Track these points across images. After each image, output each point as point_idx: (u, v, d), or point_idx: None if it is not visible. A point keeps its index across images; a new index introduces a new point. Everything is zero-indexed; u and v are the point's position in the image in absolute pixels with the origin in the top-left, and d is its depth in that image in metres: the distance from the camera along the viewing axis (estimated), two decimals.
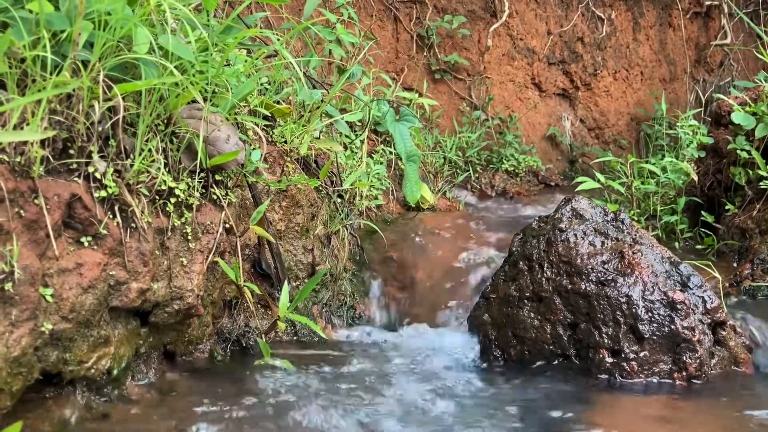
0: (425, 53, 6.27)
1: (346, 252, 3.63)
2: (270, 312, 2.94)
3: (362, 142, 4.45)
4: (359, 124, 4.69)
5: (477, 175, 5.97)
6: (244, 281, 2.72)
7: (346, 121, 4.34)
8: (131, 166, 2.23)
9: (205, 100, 2.46)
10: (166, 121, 2.39)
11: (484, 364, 2.96)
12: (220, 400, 2.34)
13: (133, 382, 2.36)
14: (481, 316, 3.12)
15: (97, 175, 2.13)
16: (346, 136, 4.32)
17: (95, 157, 2.12)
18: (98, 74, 2.10)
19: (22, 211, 1.92)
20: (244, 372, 2.62)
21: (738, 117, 4.10)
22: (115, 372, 2.25)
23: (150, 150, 2.30)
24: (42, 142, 1.99)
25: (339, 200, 3.73)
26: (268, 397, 2.42)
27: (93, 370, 2.16)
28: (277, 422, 2.25)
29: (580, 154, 6.86)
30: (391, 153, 4.87)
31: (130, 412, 2.19)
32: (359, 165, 4.24)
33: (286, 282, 2.78)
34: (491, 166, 6.14)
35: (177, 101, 2.34)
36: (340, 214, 3.57)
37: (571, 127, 6.97)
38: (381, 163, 4.64)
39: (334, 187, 3.68)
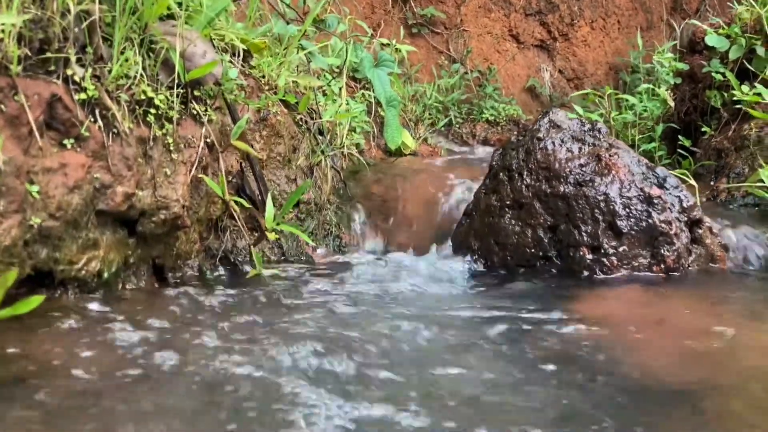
0: (401, 7, 6.29)
1: (330, 183, 3.67)
2: (256, 234, 2.98)
3: (340, 89, 4.48)
4: (337, 70, 4.72)
5: (458, 125, 6.02)
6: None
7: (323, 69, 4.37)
8: (109, 72, 2.26)
9: (179, 16, 2.49)
10: (141, 32, 2.41)
11: (468, 274, 3.01)
12: (211, 302, 2.38)
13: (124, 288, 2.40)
14: (464, 231, 3.17)
15: (76, 78, 2.15)
16: (325, 76, 4.34)
17: (73, 60, 2.14)
18: None
19: (2, 107, 1.95)
20: (235, 283, 2.66)
21: (712, 39, 4.16)
22: (105, 275, 2.28)
23: (127, 60, 2.32)
24: (18, 42, 2.02)
25: (320, 137, 3.76)
26: (258, 303, 2.46)
27: (84, 272, 2.20)
28: (271, 325, 2.29)
29: (560, 105, 6.91)
30: (370, 96, 4.91)
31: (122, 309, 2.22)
32: (339, 106, 4.27)
33: (269, 195, 2.82)
34: (472, 117, 6.19)
35: (152, 11, 2.37)
36: (320, 146, 3.61)
37: (550, 78, 7.02)
38: (361, 104, 4.68)
39: (314, 121, 3.71)
